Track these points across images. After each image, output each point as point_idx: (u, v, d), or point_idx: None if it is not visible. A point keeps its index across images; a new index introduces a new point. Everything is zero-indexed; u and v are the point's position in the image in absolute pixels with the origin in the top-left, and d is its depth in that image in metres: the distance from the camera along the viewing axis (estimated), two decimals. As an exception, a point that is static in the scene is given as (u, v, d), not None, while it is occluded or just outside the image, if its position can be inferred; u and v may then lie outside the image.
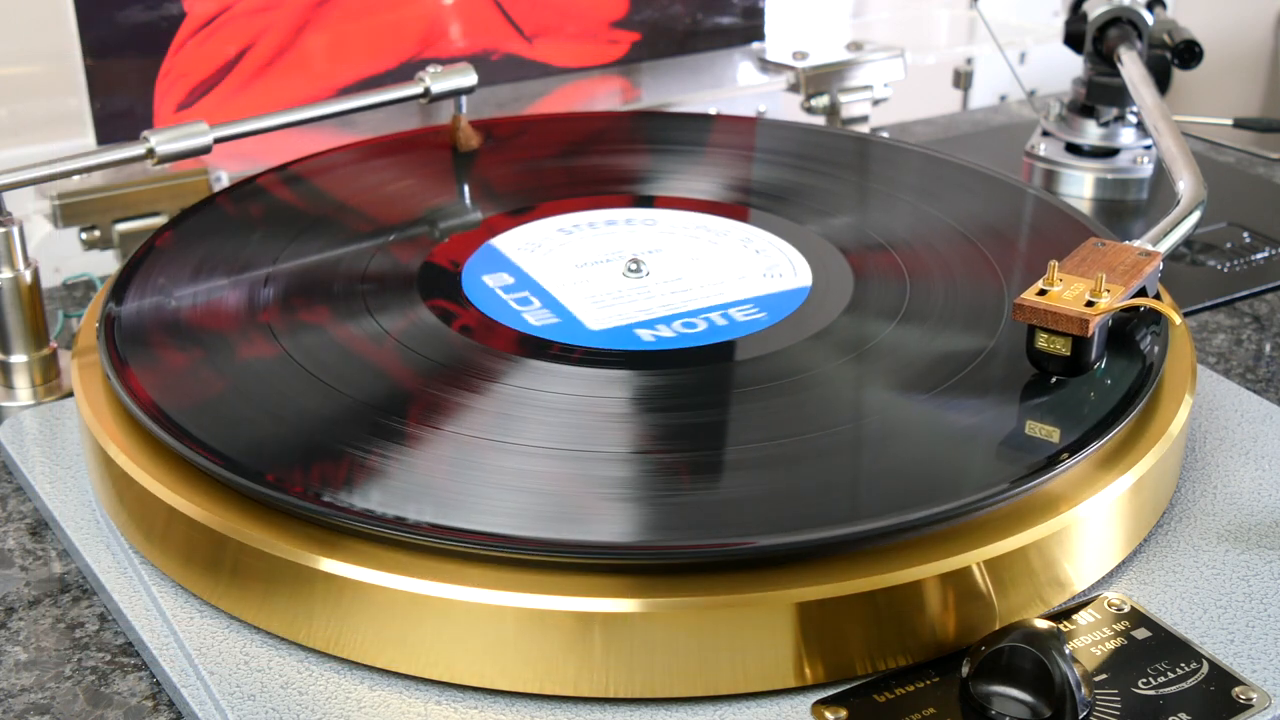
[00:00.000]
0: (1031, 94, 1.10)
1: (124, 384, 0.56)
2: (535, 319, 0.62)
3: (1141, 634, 0.51)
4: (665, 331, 0.61)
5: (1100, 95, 0.89)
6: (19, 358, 0.67)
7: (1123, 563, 0.54)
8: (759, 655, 0.48)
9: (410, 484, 0.51)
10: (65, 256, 0.84)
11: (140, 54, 0.83)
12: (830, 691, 0.48)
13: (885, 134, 1.01)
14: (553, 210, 0.72)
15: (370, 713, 0.48)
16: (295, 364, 0.58)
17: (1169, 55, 0.88)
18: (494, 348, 0.59)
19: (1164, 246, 0.62)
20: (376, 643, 0.49)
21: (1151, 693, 0.48)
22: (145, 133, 0.69)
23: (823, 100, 0.97)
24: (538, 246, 0.68)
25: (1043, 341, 0.56)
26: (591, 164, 0.78)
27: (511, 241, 0.69)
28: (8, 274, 0.65)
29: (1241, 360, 0.73)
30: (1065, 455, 0.52)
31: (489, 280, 0.65)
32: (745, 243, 0.69)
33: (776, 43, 1.01)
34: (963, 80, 1.12)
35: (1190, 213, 0.65)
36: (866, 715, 0.47)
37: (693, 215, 0.72)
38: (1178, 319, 0.56)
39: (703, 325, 0.61)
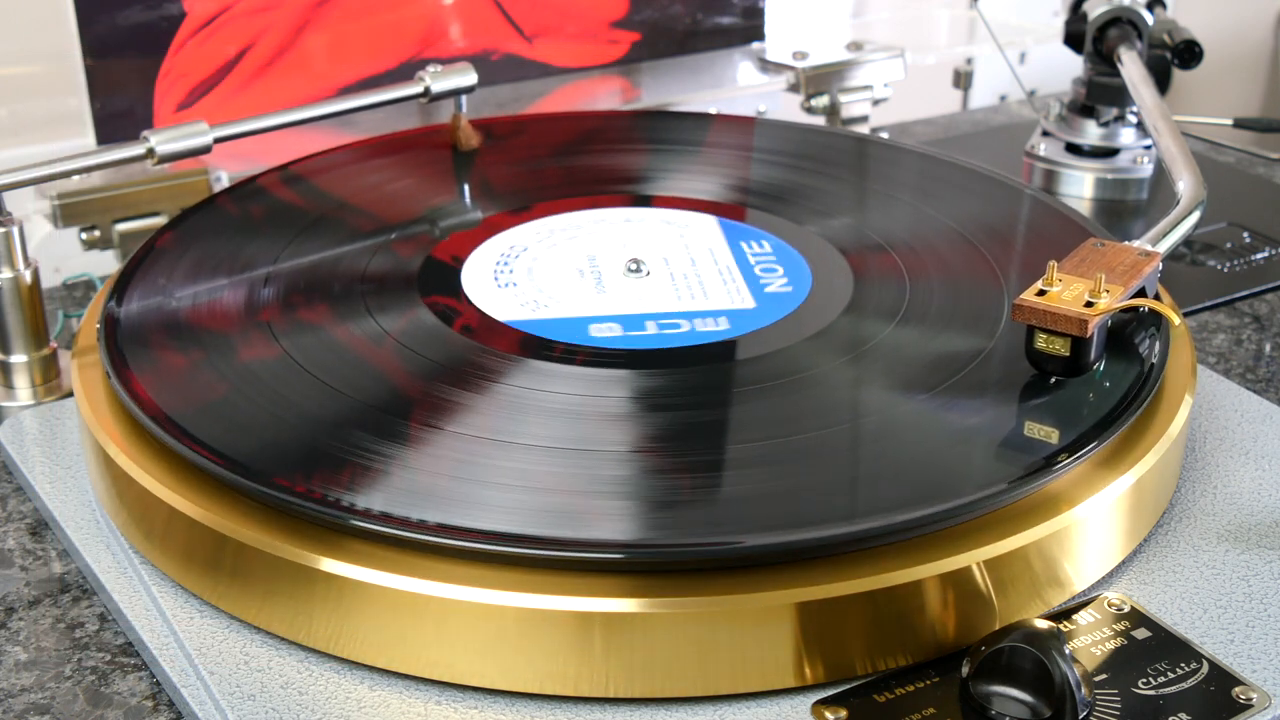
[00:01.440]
0: (1031, 94, 1.10)
1: (124, 384, 0.56)
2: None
3: (1141, 634, 0.51)
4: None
5: (1100, 95, 0.89)
6: (19, 358, 0.67)
7: (1123, 563, 0.54)
8: (759, 655, 0.48)
9: (410, 484, 0.51)
10: (65, 256, 0.84)
11: (140, 54, 0.83)
12: (830, 691, 0.48)
13: (885, 134, 1.01)
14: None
15: (370, 713, 0.48)
16: (295, 364, 0.58)
17: (1169, 55, 0.88)
18: (494, 347, 0.59)
19: (1163, 246, 0.62)
20: (376, 643, 0.49)
21: (1151, 693, 0.48)
22: (145, 133, 0.69)
23: (823, 100, 0.97)
24: (537, 246, 0.68)
25: (1042, 342, 0.56)
26: (591, 164, 0.78)
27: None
28: (8, 274, 0.65)
29: (1241, 360, 0.73)
30: (1065, 456, 0.52)
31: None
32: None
33: (776, 43, 1.01)
34: (963, 80, 1.12)
35: (1190, 213, 0.65)
36: (866, 715, 0.47)
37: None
38: (1177, 319, 0.56)
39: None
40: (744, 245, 0.68)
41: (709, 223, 0.71)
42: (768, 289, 0.64)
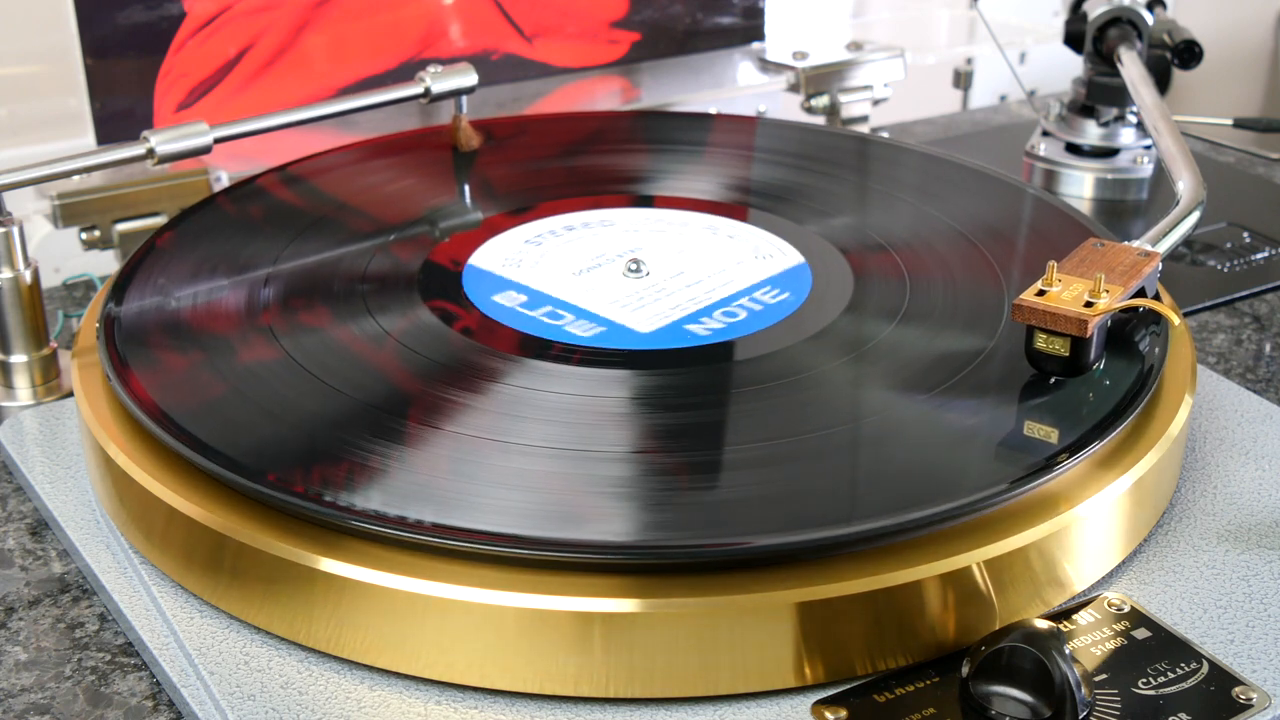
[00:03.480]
0: (1031, 94, 1.10)
1: (124, 384, 0.56)
2: (579, 331, 0.61)
3: (1141, 634, 0.51)
4: (712, 323, 0.61)
5: (1100, 95, 0.89)
6: (19, 358, 0.67)
7: (1123, 563, 0.54)
8: (759, 655, 0.48)
9: (410, 484, 0.51)
10: (65, 256, 0.84)
11: (140, 54, 0.83)
12: (830, 691, 0.48)
13: (885, 134, 1.01)
14: (553, 210, 0.72)
15: (370, 713, 0.48)
16: (295, 364, 0.58)
17: (1169, 55, 0.88)
18: (494, 348, 0.59)
19: (1163, 247, 0.62)
20: (376, 643, 0.49)
21: (1151, 693, 0.48)
22: (145, 133, 0.69)
23: (823, 100, 0.97)
24: (536, 248, 0.68)
25: (1041, 342, 0.56)
26: (591, 164, 0.78)
27: (510, 244, 0.69)
28: (8, 274, 0.65)
29: (1241, 360, 0.73)
30: (1064, 456, 0.52)
31: (499, 298, 0.65)
32: (735, 239, 0.69)
33: (776, 43, 1.01)
34: (963, 80, 1.12)
35: (1190, 213, 0.65)
36: (866, 715, 0.47)
37: (691, 214, 0.72)
38: (1177, 319, 0.56)
39: (742, 313, 0.61)
40: (742, 245, 0.68)
41: (708, 222, 0.71)
42: (767, 289, 0.64)
